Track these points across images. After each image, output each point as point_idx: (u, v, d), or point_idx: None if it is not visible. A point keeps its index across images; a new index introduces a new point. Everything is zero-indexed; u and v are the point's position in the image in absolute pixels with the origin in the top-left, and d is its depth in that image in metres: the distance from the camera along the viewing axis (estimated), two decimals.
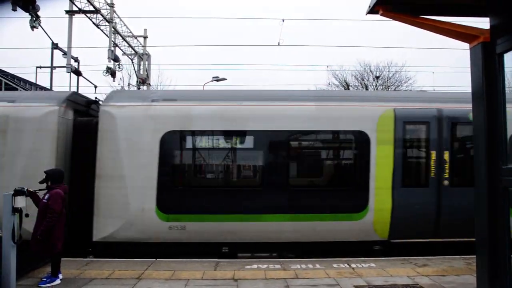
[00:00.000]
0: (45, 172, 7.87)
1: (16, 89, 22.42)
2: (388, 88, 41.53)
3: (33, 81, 28.48)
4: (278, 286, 7.58)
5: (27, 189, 6.06)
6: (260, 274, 8.42)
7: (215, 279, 8.02)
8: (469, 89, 6.27)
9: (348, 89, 42.53)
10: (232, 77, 49.72)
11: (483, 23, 6.00)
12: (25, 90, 23.03)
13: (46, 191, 7.80)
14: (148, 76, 20.09)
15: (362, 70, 42.06)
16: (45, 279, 7.71)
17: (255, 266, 9.11)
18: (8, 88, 22.54)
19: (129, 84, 31.02)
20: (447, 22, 6.17)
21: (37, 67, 27.60)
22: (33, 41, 32.80)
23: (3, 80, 22.87)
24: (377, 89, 42.02)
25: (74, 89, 31.60)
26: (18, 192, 5.94)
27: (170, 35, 59.90)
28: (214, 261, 9.68)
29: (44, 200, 7.63)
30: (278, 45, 21.20)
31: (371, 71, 41.76)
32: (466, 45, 6.25)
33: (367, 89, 42.22)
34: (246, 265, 9.17)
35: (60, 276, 7.86)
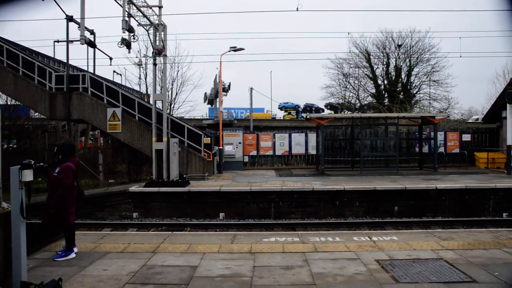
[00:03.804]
0: (55, 145, 7.68)
1: (33, 64, 22.28)
2: (411, 58, 40.27)
3: (51, 55, 28.47)
4: (296, 260, 7.32)
5: (34, 162, 5.86)
6: (278, 247, 8.18)
7: (231, 253, 7.82)
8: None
9: (369, 58, 41.40)
10: (250, 46, 48.62)
11: None
12: (43, 64, 22.93)
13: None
14: (164, 47, 19.66)
15: (383, 38, 40.80)
16: (60, 253, 7.64)
17: (272, 239, 8.88)
18: (25, 62, 22.40)
19: (145, 55, 30.68)
20: None
21: (54, 41, 27.56)
22: (51, 15, 32.56)
23: (21, 54, 22.73)
24: (399, 58, 40.80)
25: (90, 61, 31.44)
26: (25, 166, 5.72)
27: (185, 4, 59.01)
28: (231, 234, 9.50)
29: (55, 174, 7.47)
30: (297, 10, 20.48)
31: (393, 39, 40.48)
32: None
33: (388, 59, 41.04)
34: (264, 238, 8.95)
35: (75, 249, 7.77)
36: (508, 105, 20.34)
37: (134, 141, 21.31)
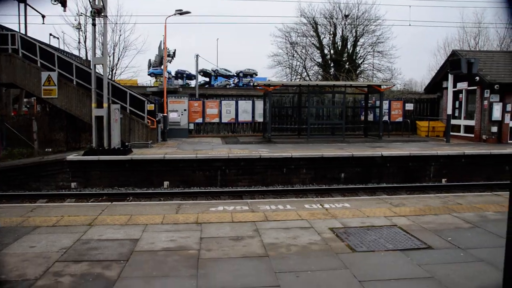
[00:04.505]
0: None
1: None
2: (357, 28, 40.40)
3: None
4: (246, 229, 6.86)
5: None
6: (227, 217, 7.68)
7: (176, 223, 7.23)
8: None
9: (317, 28, 41.12)
10: (197, 9, 46.80)
11: None
12: None
13: None
14: (104, 7, 18.18)
15: (331, 8, 40.57)
16: None
17: (220, 208, 8.37)
18: None
19: (82, 14, 28.60)
20: None
21: None
22: None
23: None
24: (345, 28, 40.82)
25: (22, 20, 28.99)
26: None
27: None
28: (176, 203, 8.92)
29: None
30: None
31: (340, 9, 40.30)
32: None
33: (335, 29, 40.96)
34: (211, 207, 8.42)
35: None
36: (449, 75, 20.73)
37: (72, 108, 19.91)
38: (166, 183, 15.26)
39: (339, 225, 7.13)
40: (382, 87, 22.69)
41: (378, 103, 23.19)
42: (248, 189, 14.25)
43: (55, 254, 5.70)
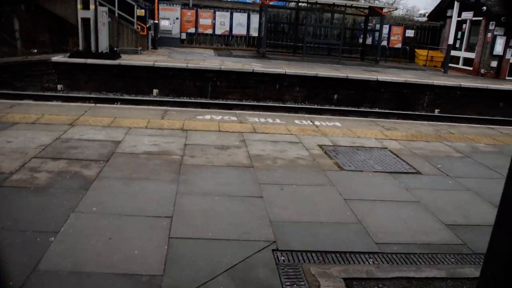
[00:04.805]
0: None
1: None
2: None
3: None
4: (233, 140, 6.65)
5: None
6: (213, 125, 7.43)
7: (161, 129, 6.98)
8: None
9: None
10: None
11: None
12: None
13: None
14: None
15: None
16: None
17: (208, 116, 8.11)
18: None
19: None
20: None
21: None
22: None
23: None
24: None
25: None
26: None
27: None
28: (162, 109, 8.62)
29: None
30: None
31: None
32: None
33: None
34: (198, 115, 8.15)
35: None
36: (455, 2, 19.81)
37: (56, 7, 18.79)
38: (155, 91, 14.86)
39: (329, 143, 6.94)
40: (383, 10, 21.73)
41: (378, 26, 22.34)
42: (238, 103, 13.93)
43: (32, 151, 5.46)
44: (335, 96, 15.77)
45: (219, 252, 3.42)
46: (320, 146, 6.70)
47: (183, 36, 23.13)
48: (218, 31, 23.53)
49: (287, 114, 9.10)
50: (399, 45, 24.79)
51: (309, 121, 8.36)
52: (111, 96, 13.94)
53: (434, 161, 6.46)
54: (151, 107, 8.81)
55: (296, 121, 8.31)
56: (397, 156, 6.52)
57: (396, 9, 27.21)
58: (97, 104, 8.89)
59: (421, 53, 24.07)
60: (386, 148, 6.94)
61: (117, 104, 12.37)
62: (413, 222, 4.33)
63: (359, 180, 5.41)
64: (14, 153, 5.32)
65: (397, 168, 5.99)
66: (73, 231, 3.57)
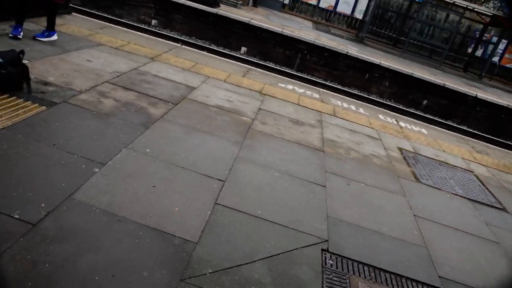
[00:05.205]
0: None
1: None
2: None
3: None
4: (310, 117, 6.20)
5: None
6: (293, 97, 7.00)
7: (239, 86, 6.64)
8: None
9: None
10: None
11: None
12: None
13: None
14: None
15: None
16: (43, 33, 6.30)
17: (290, 86, 7.68)
18: None
19: None
20: None
21: None
22: None
23: None
24: None
25: None
26: None
27: None
28: (246, 67, 8.28)
29: None
30: None
31: None
32: None
33: None
34: (280, 83, 7.75)
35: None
36: None
37: None
38: (243, 49, 14.58)
39: (410, 148, 6.30)
40: (509, 21, 19.72)
41: (494, 39, 20.43)
42: (323, 82, 13.33)
43: (107, 75, 5.33)
44: (424, 102, 14.70)
45: (263, 234, 3.07)
46: (400, 149, 6.09)
47: (286, 1, 22.53)
48: (323, 4, 22.66)
49: (372, 106, 8.45)
50: (511, 65, 22.68)
51: (393, 120, 7.70)
52: (200, 43, 13.82)
53: None
54: (235, 62, 8.49)
55: (380, 116, 7.67)
56: (483, 184, 5.79)
57: None
58: (183, 46, 8.70)
59: None
60: (472, 172, 6.20)
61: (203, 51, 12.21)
62: (487, 265, 3.74)
63: (434, 198, 4.81)
64: (89, 73, 5.21)
65: (480, 197, 5.30)
66: (120, 167, 3.36)
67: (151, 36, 8.76)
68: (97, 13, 12.85)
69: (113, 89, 4.91)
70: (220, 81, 6.59)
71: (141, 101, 4.79)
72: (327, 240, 3.26)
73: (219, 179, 3.62)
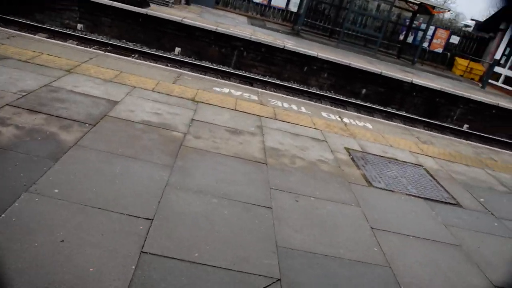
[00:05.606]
0: None
1: None
2: None
3: None
4: (249, 123, 5.71)
5: None
6: (230, 102, 6.48)
7: (169, 95, 6.03)
8: None
9: None
10: None
11: None
12: None
13: None
14: None
15: None
16: None
17: (226, 90, 7.14)
18: None
19: None
20: None
21: None
22: None
23: None
24: None
25: None
26: None
27: None
28: (177, 72, 7.66)
29: None
30: None
31: None
32: None
33: None
34: (216, 87, 7.19)
35: None
36: None
37: None
38: (177, 49, 13.87)
39: (357, 147, 5.97)
40: (435, 9, 20.22)
41: (423, 26, 20.90)
42: (261, 78, 12.90)
43: (10, 96, 4.56)
44: (363, 91, 14.66)
45: (203, 286, 2.53)
46: (348, 149, 5.73)
47: None
48: None
49: (313, 103, 8.11)
50: (439, 50, 23.36)
51: (337, 117, 7.37)
52: (130, 46, 12.98)
53: (475, 192, 5.48)
54: (164, 66, 7.84)
55: (323, 114, 7.31)
56: (434, 179, 5.55)
57: (448, 10, 25.44)
58: (106, 53, 7.94)
59: (461, 62, 22.61)
60: (422, 166, 5.96)
61: (133, 56, 11.43)
62: (453, 276, 3.42)
63: (389, 203, 4.47)
64: None
65: (434, 194, 5.03)
66: (16, 220, 2.67)
67: (67, 44, 7.92)
68: (13, 18, 11.75)
69: (15, 113, 4.16)
70: (148, 91, 5.95)
71: (50, 126, 4.07)
72: (279, 279, 2.77)
73: (145, 218, 3.02)
